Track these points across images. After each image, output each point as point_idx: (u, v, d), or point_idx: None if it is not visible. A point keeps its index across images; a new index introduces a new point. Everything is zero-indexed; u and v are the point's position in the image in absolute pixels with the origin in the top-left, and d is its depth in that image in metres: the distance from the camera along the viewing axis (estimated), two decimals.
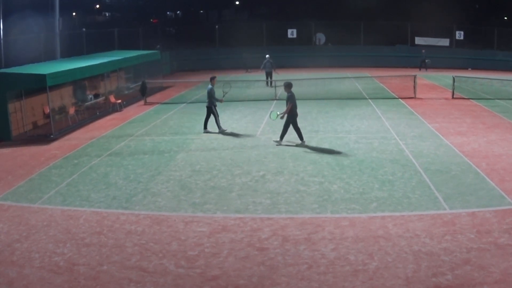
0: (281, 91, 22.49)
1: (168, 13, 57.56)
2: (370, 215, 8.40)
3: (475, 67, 32.64)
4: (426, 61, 30.73)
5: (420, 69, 30.76)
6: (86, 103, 19.43)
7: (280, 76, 24.30)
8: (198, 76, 31.61)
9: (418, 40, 35.92)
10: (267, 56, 26.07)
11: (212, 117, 14.94)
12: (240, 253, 7.18)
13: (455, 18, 35.31)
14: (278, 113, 13.26)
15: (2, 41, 26.65)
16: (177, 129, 15.75)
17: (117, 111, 19.73)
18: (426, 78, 27.65)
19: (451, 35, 35.31)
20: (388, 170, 10.80)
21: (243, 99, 21.26)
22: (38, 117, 16.94)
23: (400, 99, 20.37)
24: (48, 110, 16.07)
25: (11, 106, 15.26)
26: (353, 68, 32.36)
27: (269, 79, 25.44)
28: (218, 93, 15.13)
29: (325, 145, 13.09)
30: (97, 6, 54.30)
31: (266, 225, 8.13)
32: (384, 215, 8.36)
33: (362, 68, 33.03)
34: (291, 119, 12.91)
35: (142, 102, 21.45)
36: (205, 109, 15.02)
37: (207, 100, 14.91)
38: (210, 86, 14.86)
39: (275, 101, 20.39)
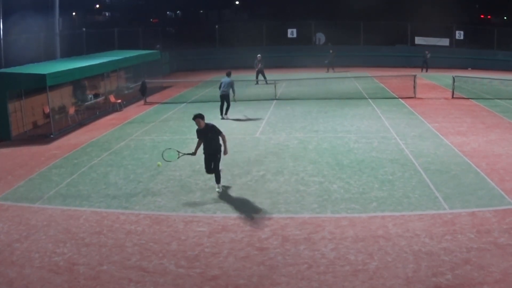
0: (281, 91, 22.61)
1: (168, 13, 57.50)
2: (370, 215, 8.40)
3: (475, 67, 32.59)
4: (428, 56, 30.87)
5: (422, 70, 30.75)
6: (86, 103, 19.44)
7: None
8: (198, 76, 31.62)
9: (418, 40, 35.85)
10: (258, 55, 26.47)
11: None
12: (240, 253, 7.18)
13: (455, 18, 35.26)
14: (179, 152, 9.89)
15: (2, 41, 26.62)
16: (177, 129, 15.74)
17: (117, 111, 19.73)
18: (426, 78, 27.64)
19: (451, 35, 35.25)
20: (388, 170, 10.80)
21: (243, 99, 21.23)
22: (38, 117, 16.94)
23: (400, 99, 20.35)
24: (48, 110, 16.08)
25: (11, 106, 15.27)
26: (353, 68, 32.35)
27: (258, 77, 26.28)
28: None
29: (325, 145, 13.09)
30: (97, 6, 54.28)
31: (266, 225, 8.13)
32: (384, 215, 8.36)
33: (362, 68, 33.00)
34: None
35: (142, 102, 21.46)
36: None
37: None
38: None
39: (275, 101, 20.38)
